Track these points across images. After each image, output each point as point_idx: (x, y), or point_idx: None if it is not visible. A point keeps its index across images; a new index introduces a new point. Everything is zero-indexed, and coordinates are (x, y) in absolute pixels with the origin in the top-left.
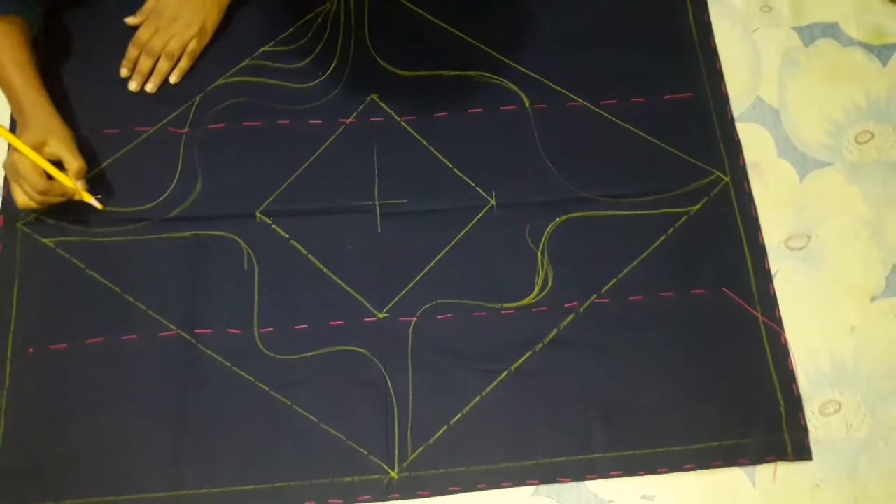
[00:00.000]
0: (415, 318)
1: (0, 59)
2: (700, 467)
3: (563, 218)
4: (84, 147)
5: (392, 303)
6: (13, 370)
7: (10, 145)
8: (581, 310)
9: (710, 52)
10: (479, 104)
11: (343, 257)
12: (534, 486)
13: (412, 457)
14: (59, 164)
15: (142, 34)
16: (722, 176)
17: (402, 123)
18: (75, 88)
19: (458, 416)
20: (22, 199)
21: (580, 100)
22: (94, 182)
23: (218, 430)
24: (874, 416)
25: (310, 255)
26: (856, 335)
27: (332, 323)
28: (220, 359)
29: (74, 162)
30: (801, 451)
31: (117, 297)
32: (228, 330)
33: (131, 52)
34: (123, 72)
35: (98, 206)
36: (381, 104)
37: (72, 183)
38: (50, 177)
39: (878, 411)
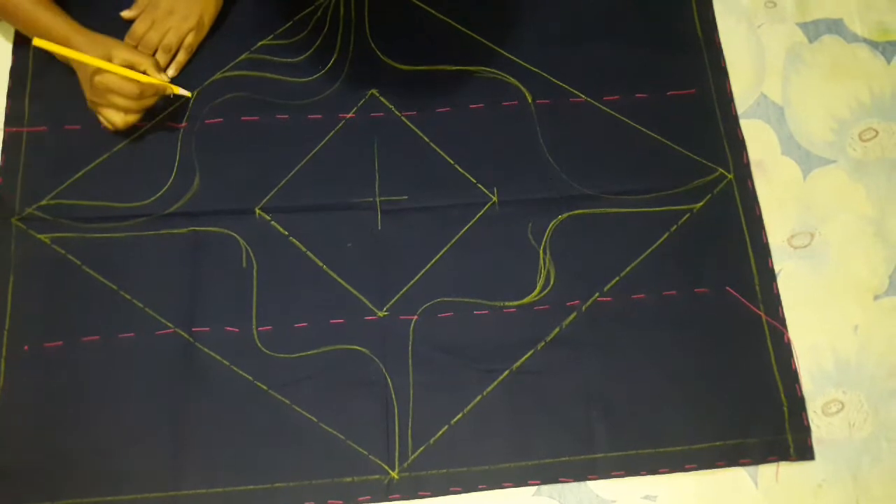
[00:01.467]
0: (415, 317)
1: (24, 6)
2: (702, 467)
3: (566, 215)
4: (81, 142)
5: (392, 301)
6: (8, 368)
7: (82, 79)
8: (583, 308)
9: (714, 48)
10: (481, 99)
11: (343, 255)
12: (535, 487)
13: (413, 457)
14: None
15: (137, 28)
16: (725, 173)
17: (403, 119)
18: (72, 82)
19: (459, 415)
20: (119, 117)
21: (583, 95)
22: (92, 178)
23: (216, 430)
24: (877, 415)
25: (309, 253)
26: (859, 334)
27: (331, 321)
28: (218, 357)
29: (146, 60)
30: (804, 451)
31: (114, 295)
32: (226, 328)
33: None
34: None
35: (188, 94)
36: (382, 99)
37: (158, 78)
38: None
39: (881, 410)
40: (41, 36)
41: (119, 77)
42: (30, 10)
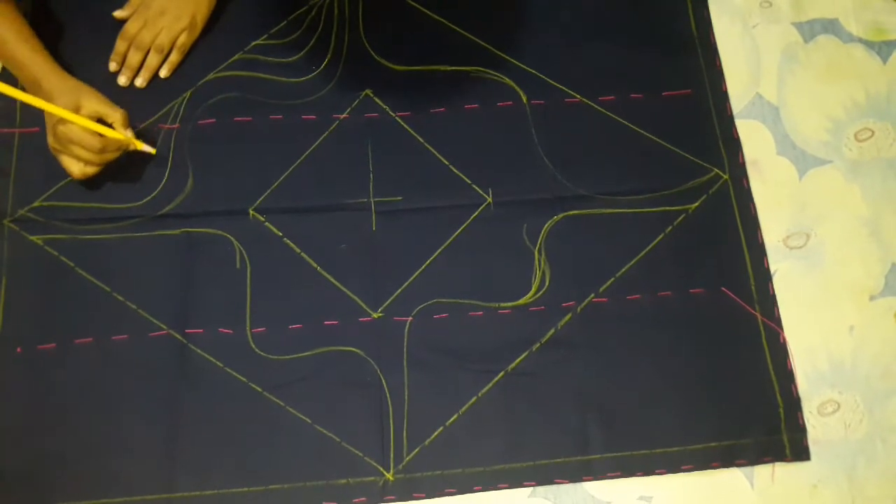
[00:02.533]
0: (410, 318)
1: (3, 36)
2: (698, 468)
3: (561, 216)
4: None
5: (387, 302)
6: (1, 370)
7: (48, 124)
8: (578, 309)
9: (709, 48)
10: (476, 100)
11: (337, 256)
12: (530, 488)
13: (407, 458)
14: (99, 122)
15: (130, 27)
16: (721, 174)
17: (398, 119)
18: None
19: (454, 416)
20: (78, 168)
21: (578, 96)
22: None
23: (210, 432)
24: (872, 415)
25: (303, 254)
26: (854, 334)
27: (326, 322)
28: (211, 359)
29: (115, 113)
30: (800, 452)
31: (107, 296)
32: (220, 329)
33: (120, 45)
34: (112, 66)
35: (152, 151)
36: (376, 99)
37: (122, 134)
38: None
39: (876, 411)
40: (16, 70)
41: (82, 129)
42: (9, 44)
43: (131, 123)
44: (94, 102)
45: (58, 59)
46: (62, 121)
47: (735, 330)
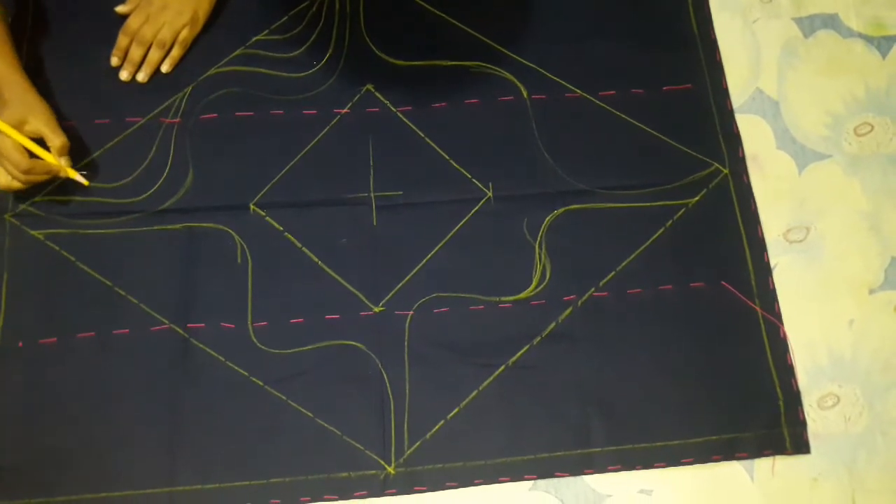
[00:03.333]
0: (411, 312)
1: None
2: (698, 461)
3: (561, 210)
4: (74, 137)
5: (388, 296)
6: (2, 364)
7: None
8: (579, 303)
9: (709, 43)
10: (477, 95)
11: (338, 250)
12: (531, 481)
13: (409, 452)
14: (40, 142)
15: (132, 22)
16: (721, 168)
17: (398, 114)
18: (65, 78)
19: (455, 410)
20: (4, 179)
21: (579, 91)
22: (86, 174)
23: (211, 426)
24: (872, 409)
25: (304, 248)
26: (854, 328)
27: (327, 317)
28: (213, 353)
29: (56, 139)
30: (800, 445)
31: (108, 291)
32: (222, 324)
33: (121, 40)
34: (114, 61)
35: (84, 181)
36: (377, 94)
37: (55, 160)
38: (33, 155)
39: (876, 404)
40: None
41: (14, 144)
42: None
43: (134, 117)
44: (41, 123)
45: (58, 54)
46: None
47: (735, 324)
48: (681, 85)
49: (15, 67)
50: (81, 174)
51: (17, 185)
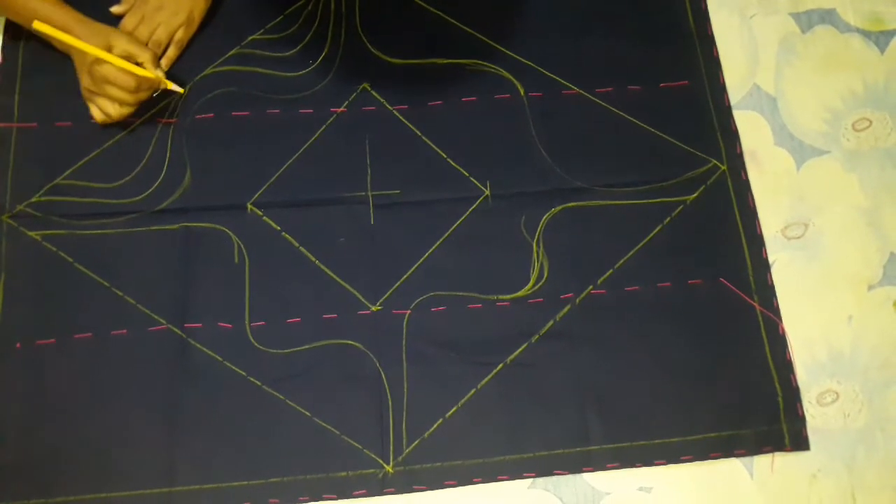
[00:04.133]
0: (409, 311)
1: None
2: (697, 458)
3: (559, 208)
4: (70, 138)
5: (386, 295)
6: (0, 366)
7: (79, 68)
8: (577, 301)
9: (706, 39)
10: (473, 92)
11: (336, 249)
12: (530, 479)
13: (407, 451)
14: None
15: (127, 23)
16: (719, 164)
17: (395, 112)
18: (62, 78)
19: (454, 409)
20: (115, 109)
21: (575, 88)
22: (82, 174)
23: (210, 426)
24: (871, 405)
25: (302, 248)
26: (853, 324)
27: (324, 316)
28: (211, 353)
29: (145, 53)
30: (799, 442)
31: (106, 291)
32: (219, 324)
33: None
34: None
35: (180, 90)
36: (373, 93)
37: (153, 72)
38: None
39: (875, 400)
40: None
41: (117, 68)
42: (34, 2)
43: (131, 116)
44: (125, 42)
45: (54, 53)
46: (97, 61)
47: (734, 321)
48: (678, 81)
49: (68, 7)
50: (175, 84)
51: (127, 109)
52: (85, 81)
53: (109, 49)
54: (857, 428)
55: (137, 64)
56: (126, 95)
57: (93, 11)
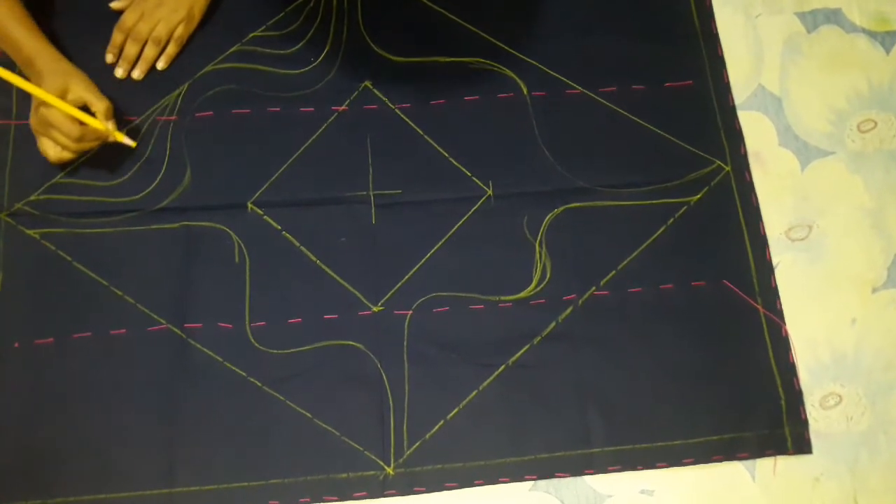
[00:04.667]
0: (410, 312)
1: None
2: (699, 461)
3: (562, 208)
4: None
5: (387, 296)
6: None
7: (33, 102)
8: (580, 302)
9: (711, 39)
10: (476, 91)
11: (337, 249)
12: (531, 482)
13: (408, 452)
14: (84, 109)
15: (127, 19)
16: (723, 165)
17: (397, 111)
18: None
19: (455, 410)
20: (55, 152)
21: (579, 87)
22: (82, 172)
23: (209, 427)
24: (874, 408)
25: (302, 247)
26: (857, 327)
27: (325, 316)
28: (211, 353)
29: (100, 103)
30: (802, 445)
31: (105, 291)
32: (219, 324)
33: (116, 37)
34: (109, 58)
35: (132, 143)
36: (375, 91)
37: (103, 125)
38: (80, 123)
39: (878, 404)
40: (11, 50)
41: (63, 114)
42: (5, 23)
43: (130, 115)
44: (82, 89)
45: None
46: (45, 103)
47: (737, 323)
48: (682, 81)
49: (42, 39)
50: (128, 137)
51: (67, 154)
52: (32, 119)
53: (65, 93)
54: (861, 431)
55: (91, 114)
56: (68, 143)
57: (94, 7)
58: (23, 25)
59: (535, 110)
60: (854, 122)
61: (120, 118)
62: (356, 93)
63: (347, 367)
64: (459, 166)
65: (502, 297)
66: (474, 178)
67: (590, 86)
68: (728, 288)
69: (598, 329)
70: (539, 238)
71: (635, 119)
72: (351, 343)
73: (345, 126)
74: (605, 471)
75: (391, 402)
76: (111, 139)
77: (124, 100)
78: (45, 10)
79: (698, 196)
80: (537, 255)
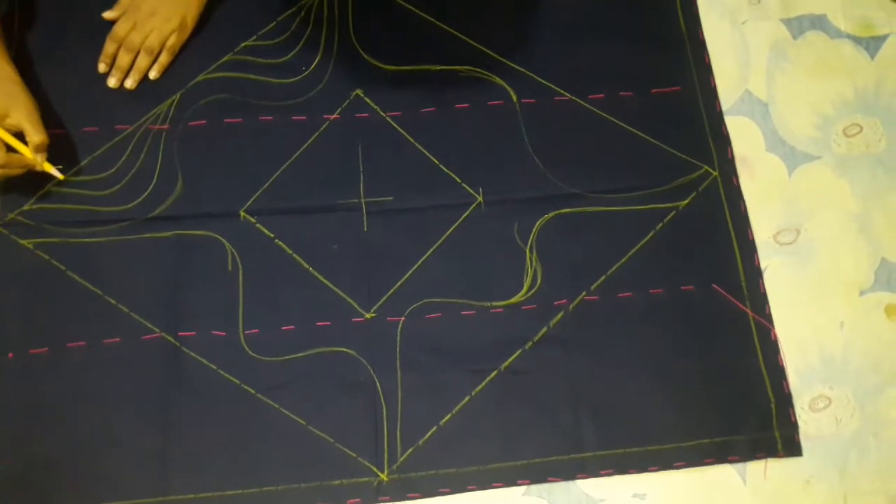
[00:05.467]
0: (403, 318)
1: None
2: (691, 465)
3: (552, 214)
4: (63, 145)
5: (379, 302)
6: None
7: None
8: (570, 307)
9: (698, 45)
10: (466, 99)
11: (329, 256)
12: (524, 486)
13: (402, 458)
14: (20, 136)
15: (119, 29)
16: (710, 170)
17: (388, 119)
18: (52, 85)
19: (448, 416)
20: None
21: (568, 94)
22: (74, 182)
23: (203, 434)
24: (864, 410)
25: (295, 255)
26: (845, 330)
27: (318, 323)
28: (204, 361)
29: (36, 136)
30: (792, 448)
31: (99, 300)
32: (213, 332)
33: (109, 47)
34: (101, 67)
35: (59, 175)
36: (367, 99)
37: (32, 156)
38: (10, 149)
39: (867, 406)
40: None
41: None
42: None
43: (122, 124)
44: (22, 117)
45: (45, 60)
46: None
47: (726, 326)
48: (670, 87)
49: (4, 59)
50: (57, 168)
51: None
52: None
53: (4, 116)
54: (850, 433)
55: (23, 142)
56: None
57: (86, 17)
58: None
59: (525, 117)
60: (840, 126)
61: (112, 127)
62: (348, 101)
63: (341, 373)
64: (450, 173)
65: (494, 303)
66: (465, 185)
67: (578, 93)
68: (717, 292)
69: (589, 334)
70: (530, 244)
71: (623, 125)
72: (344, 350)
73: (336, 134)
74: (597, 475)
75: (384, 409)
76: (38, 169)
77: (117, 109)
78: (38, 18)
79: (686, 201)
80: (528, 261)
